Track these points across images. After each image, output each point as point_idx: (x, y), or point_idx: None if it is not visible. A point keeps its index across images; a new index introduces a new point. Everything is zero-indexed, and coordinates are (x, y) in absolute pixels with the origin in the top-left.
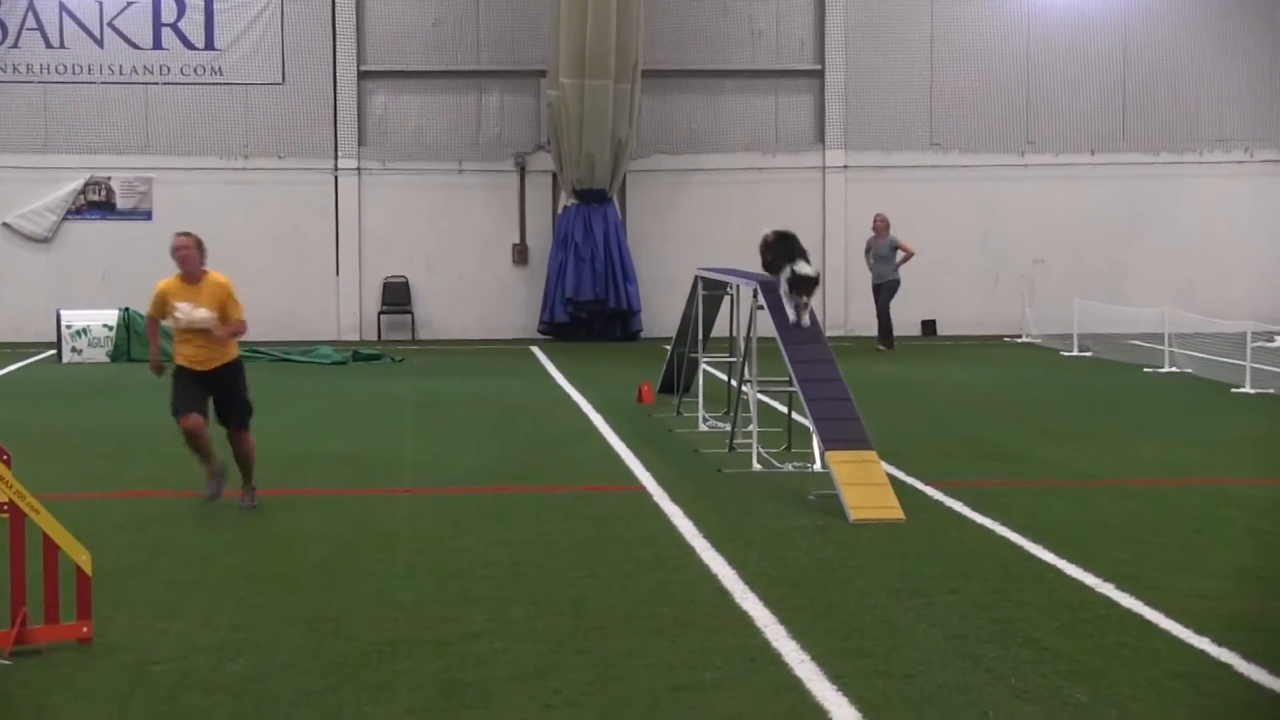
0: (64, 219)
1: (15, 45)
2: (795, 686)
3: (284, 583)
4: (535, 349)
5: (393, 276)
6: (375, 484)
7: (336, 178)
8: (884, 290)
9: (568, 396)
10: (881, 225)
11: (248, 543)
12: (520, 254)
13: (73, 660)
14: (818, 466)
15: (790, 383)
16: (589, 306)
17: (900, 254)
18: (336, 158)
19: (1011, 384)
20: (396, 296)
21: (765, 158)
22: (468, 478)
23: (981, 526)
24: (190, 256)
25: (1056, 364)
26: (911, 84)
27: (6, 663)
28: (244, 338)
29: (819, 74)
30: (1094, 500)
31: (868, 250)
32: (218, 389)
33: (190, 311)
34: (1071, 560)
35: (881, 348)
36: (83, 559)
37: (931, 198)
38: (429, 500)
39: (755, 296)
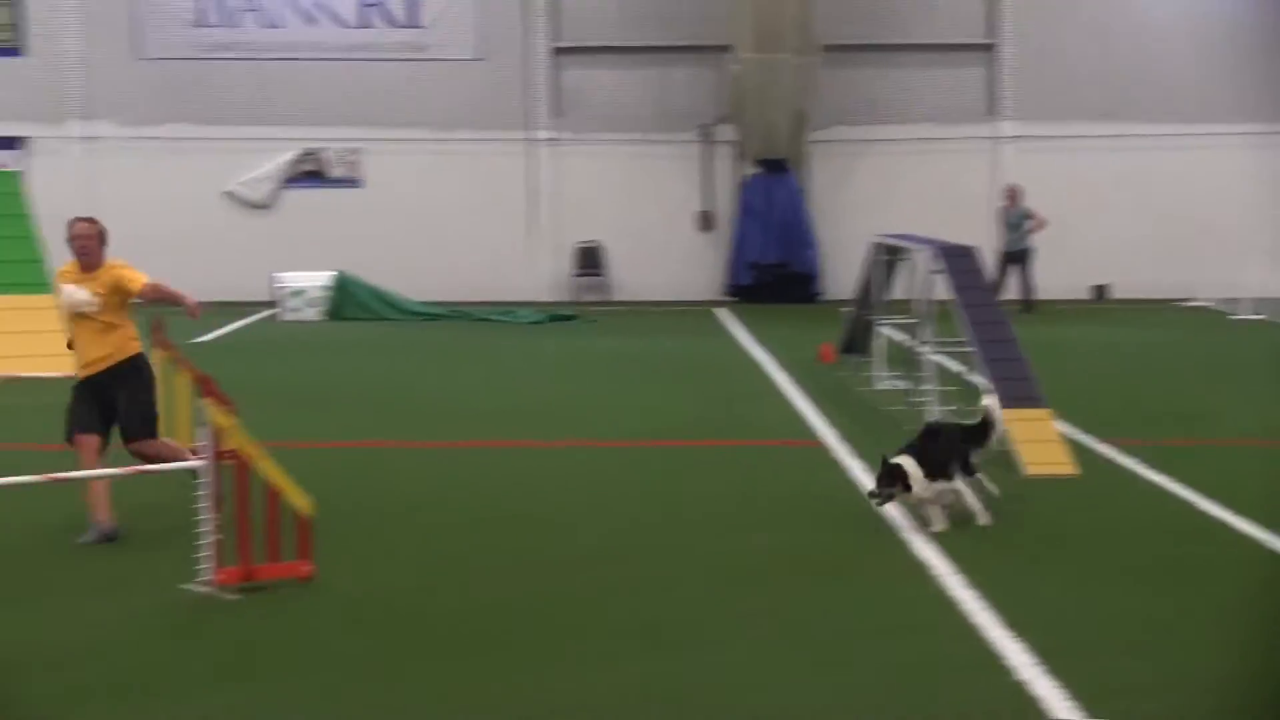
0: (281, 187)
1: (236, 26)
2: (973, 633)
3: (487, 529)
4: (720, 311)
5: (585, 241)
6: (565, 437)
7: (532, 148)
8: (1015, 258)
9: (750, 356)
10: (1012, 195)
11: (454, 491)
12: (705, 220)
13: (294, 596)
14: None
15: (966, 343)
16: (771, 270)
17: (1030, 223)
18: (532, 129)
19: (1182, 346)
20: (589, 260)
21: (940, 128)
22: (653, 432)
23: (1153, 483)
24: (89, 248)
25: (1226, 327)
26: (1083, 55)
27: (236, 598)
28: (443, 297)
29: (992, 46)
30: (1270, 460)
31: (1001, 219)
32: (114, 392)
33: (72, 293)
34: (1247, 517)
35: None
36: (302, 503)
37: (1104, 166)
38: (615, 453)
39: (932, 262)
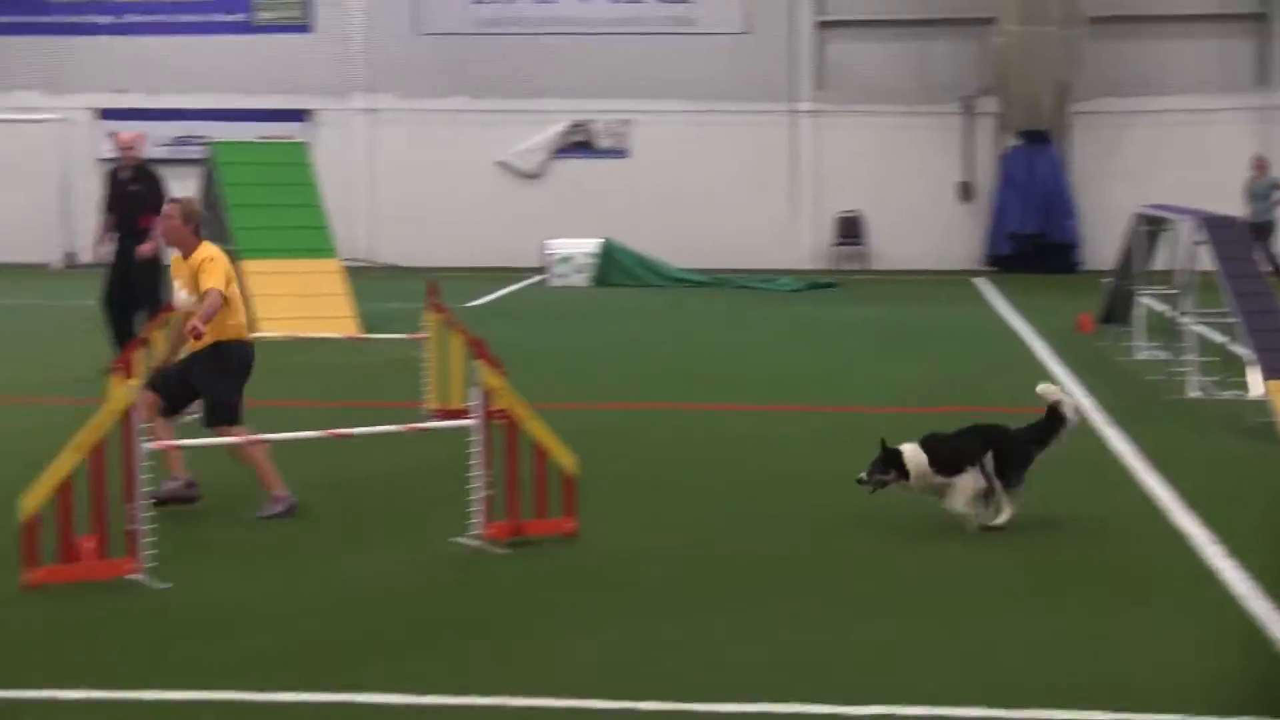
0: (551, 157)
1: (511, 1)
2: (1233, 604)
3: (742, 490)
4: (978, 280)
5: (846, 211)
6: (822, 402)
7: (795, 120)
8: (1258, 230)
9: (1007, 325)
10: (1260, 165)
11: (712, 453)
12: (966, 191)
13: (559, 552)
14: (1255, 394)
15: (1229, 314)
16: (1030, 240)
17: (1278, 193)
18: (795, 101)
19: None
20: (849, 230)
21: (1207, 99)
22: (907, 399)
23: None
24: (170, 229)
25: None
26: None
27: (505, 552)
28: (705, 265)
29: (1264, 16)
30: None
31: (1246, 190)
32: (195, 375)
33: (177, 291)
34: None
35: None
36: (568, 462)
37: None
38: (870, 419)
39: (1195, 232)
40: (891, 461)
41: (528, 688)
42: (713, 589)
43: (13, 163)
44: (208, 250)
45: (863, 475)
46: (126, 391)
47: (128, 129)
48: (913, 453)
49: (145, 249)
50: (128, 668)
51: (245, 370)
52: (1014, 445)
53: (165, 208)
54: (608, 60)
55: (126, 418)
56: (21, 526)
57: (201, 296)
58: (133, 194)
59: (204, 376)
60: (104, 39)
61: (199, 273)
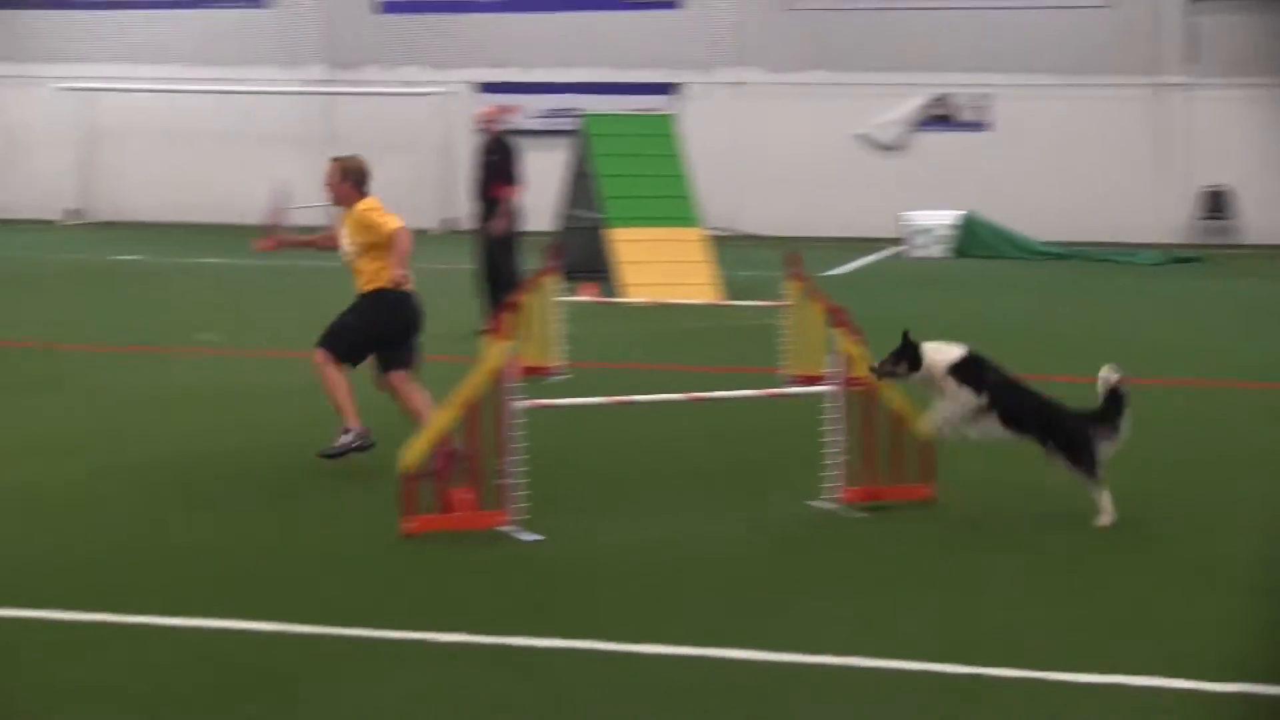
0: (911, 130)
1: None
2: None
3: None
4: None
5: (1211, 185)
6: (1183, 375)
7: (1160, 92)
8: None
9: None
10: None
11: None
12: None
13: (915, 517)
14: None
15: None
16: None
17: None
18: (1160, 74)
19: None
20: (1215, 204)
21: None
22: (1244, 374)
23: None
24: (332, 185)
25: None
26: None
27: (861, 515)
28: (1066, 238)
29: None
30: None
31: None
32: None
33: (340, 239)
34: None
35: None
36: (923, 428)
37: None
38: (1220, 394)
39: None
40: (905, 355)
41: (879, 649)
42: (1065, 557)
43: (398, 134)
44: (369, 202)
45: (874, 364)
46: (500, 351)
47: (504, 102)
48: (936, 350)
49: (494, 226)
50: (500, 615)
51: (391, 316)
52: (1069, 425)
53: (326, 165)
54: (970, 34)
55: (499, 376)
56: (402, 478)
57: (389, 241)
58: (489, 164)
59: (352, 309)
60: (485, 16)
61: (366, 223)
